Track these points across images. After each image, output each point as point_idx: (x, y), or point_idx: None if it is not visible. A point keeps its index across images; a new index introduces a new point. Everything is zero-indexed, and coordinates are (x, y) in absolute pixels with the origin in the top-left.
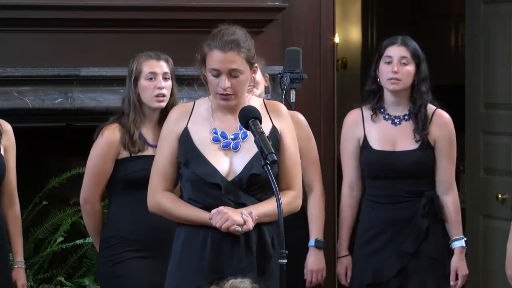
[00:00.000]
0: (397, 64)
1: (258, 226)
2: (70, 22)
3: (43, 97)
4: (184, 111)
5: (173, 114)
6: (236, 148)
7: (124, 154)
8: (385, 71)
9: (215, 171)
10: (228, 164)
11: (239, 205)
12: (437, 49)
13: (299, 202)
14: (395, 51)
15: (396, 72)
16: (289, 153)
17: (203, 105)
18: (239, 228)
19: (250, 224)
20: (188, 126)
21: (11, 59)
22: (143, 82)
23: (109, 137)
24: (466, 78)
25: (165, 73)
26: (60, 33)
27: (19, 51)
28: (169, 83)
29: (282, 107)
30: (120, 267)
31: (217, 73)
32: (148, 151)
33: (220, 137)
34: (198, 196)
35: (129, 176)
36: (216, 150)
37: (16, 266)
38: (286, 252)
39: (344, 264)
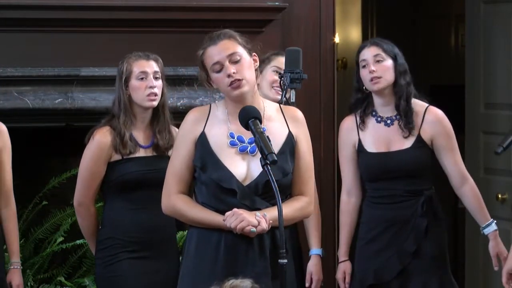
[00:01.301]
0: (372, 64)
1: (272, 230)
2: (70, 22)
3: (43, 97)
4: (201, 114)
5: (190, 117)
6: (253, 152)
7: (116, 157)
8: (364, 75)
9: (231, 176)
10: (245, 168)
11: (254, 210)
12: (437, 49)
13: (311, 209)
14: (367, 53)
15: (373, 71)
16: (304, 159)
17: (220, 108)
18: (253, 229)
19: (264, 225)
20: (205, 130)
21: (11, 59)
22: (134, 82)
23: (100, 140)
24: (466, 78)
25: (156, 72)
26: (60, 33)
27: (19, 51)
28: (159, 82)
29: (299, 113)
30: (116, 268)
31: (219, 67)
32: (140, 153)
33: (237, 141)
34: (213, 201)
35: (122, 179)
36: (233, 154)
37: (12, 267)
38: (286, 252)
39: (342, 270)
